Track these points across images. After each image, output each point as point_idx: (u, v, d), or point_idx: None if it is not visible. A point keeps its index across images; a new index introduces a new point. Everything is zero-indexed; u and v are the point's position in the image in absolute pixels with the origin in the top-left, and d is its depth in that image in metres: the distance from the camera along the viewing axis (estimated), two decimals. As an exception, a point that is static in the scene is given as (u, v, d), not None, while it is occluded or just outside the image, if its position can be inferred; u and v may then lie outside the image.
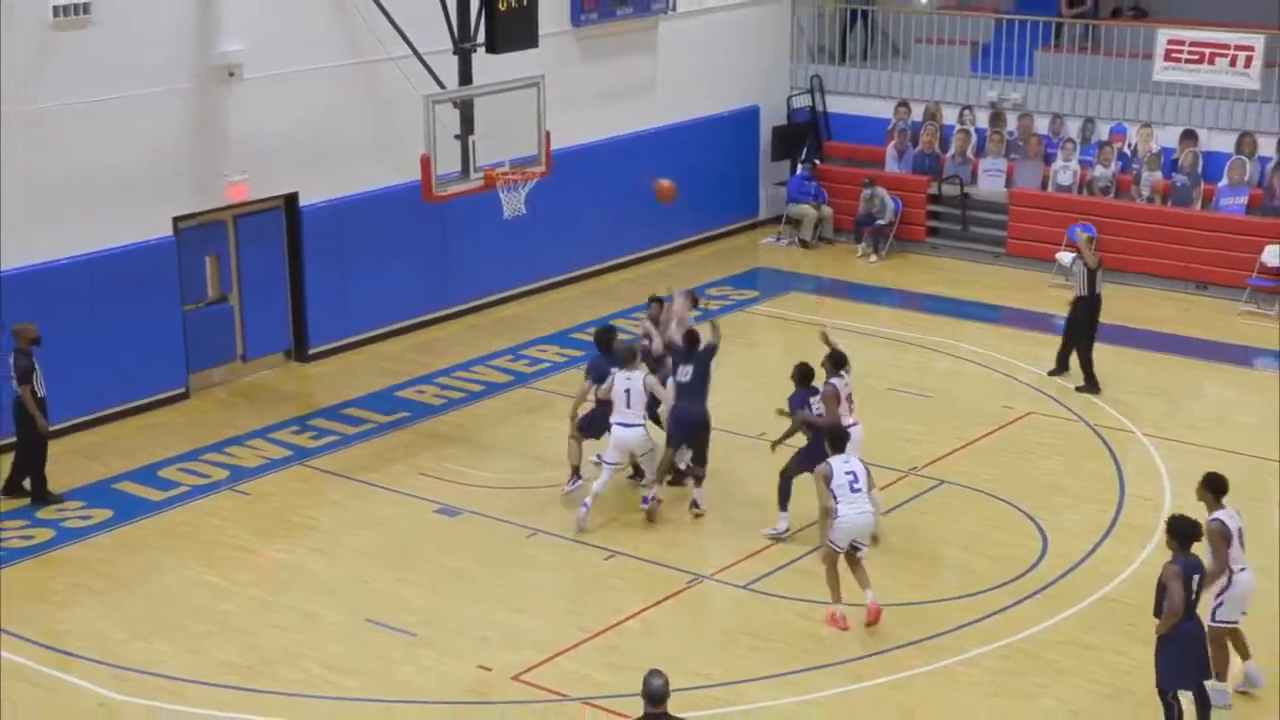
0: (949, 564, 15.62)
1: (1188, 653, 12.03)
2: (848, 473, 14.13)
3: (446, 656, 13.95)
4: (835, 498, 14.06)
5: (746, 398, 18.78)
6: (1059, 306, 23.17)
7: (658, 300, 17.88)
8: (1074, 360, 20.09)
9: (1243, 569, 12.80)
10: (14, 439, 17.06)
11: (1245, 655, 13.16)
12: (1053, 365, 20.33)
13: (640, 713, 10.06)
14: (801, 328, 21.90)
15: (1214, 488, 12.95)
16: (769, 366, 20.73)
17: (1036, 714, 13.06)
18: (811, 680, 13.48)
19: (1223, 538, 12.49)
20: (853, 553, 14.19)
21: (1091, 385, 19.77)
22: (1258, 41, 23.80)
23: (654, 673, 10.03)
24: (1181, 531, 12.11)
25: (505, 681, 13.51)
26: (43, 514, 16.75)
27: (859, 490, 14.12)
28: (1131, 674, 13.58)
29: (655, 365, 16.94)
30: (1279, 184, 23.35)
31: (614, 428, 16.22)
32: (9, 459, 17.16)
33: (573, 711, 13.05)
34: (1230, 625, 12.84)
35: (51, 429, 17.37)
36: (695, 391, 16.36)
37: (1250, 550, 12.94)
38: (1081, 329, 19.93)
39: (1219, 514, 12.73)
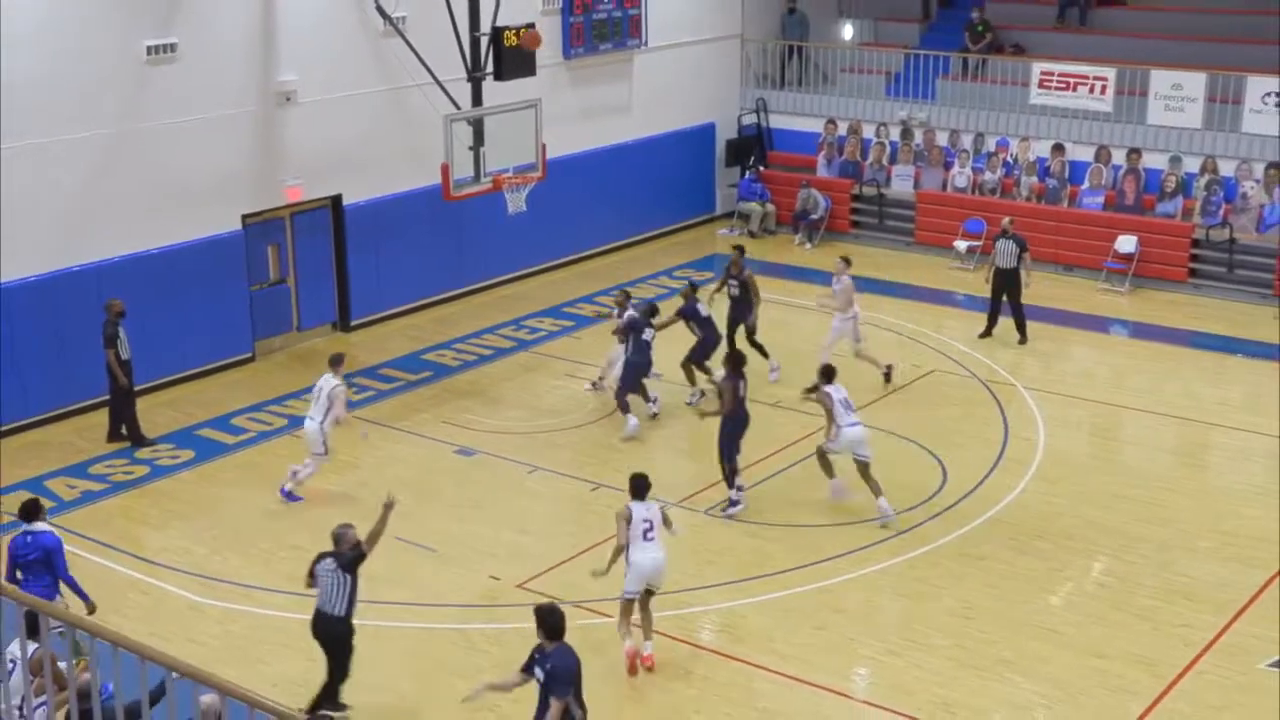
0: (868, 492, 15.63)
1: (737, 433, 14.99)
2: (645, 520, 12.20)
3: (463, 569, 13.98)
4: (630, 541, 12.14)
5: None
6: (958, 284, 23.27)
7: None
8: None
9: (851, 425, 14.64)
10: (108, 395, 17.04)
11: (875, 492, 14.81)
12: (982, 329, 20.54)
13: None
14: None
15: (824, 375, 14.90)
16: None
17: (939, 611, 13.14)
18: (756, 587, 13.55)
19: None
20: (646, 596, 12.29)
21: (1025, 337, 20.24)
22: (1110, 74, 23.82)
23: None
24: (733, 361, 15.09)
25: (511, 589, 13.56)
26: (140, 454, 16.75)
27: (652, 539, 12.17)
28: (1014, 577, 13.70)
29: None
30: (1129, 187, 23.39)
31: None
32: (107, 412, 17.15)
33: (566, 612, 13.05)
34: (833, 452, 14.86)
35: (145, 385, 17.40)
36: None
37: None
38: (1014, 293, 20.02)
39: (827, 389, 14.67)
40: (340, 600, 11.07)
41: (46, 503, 15.11)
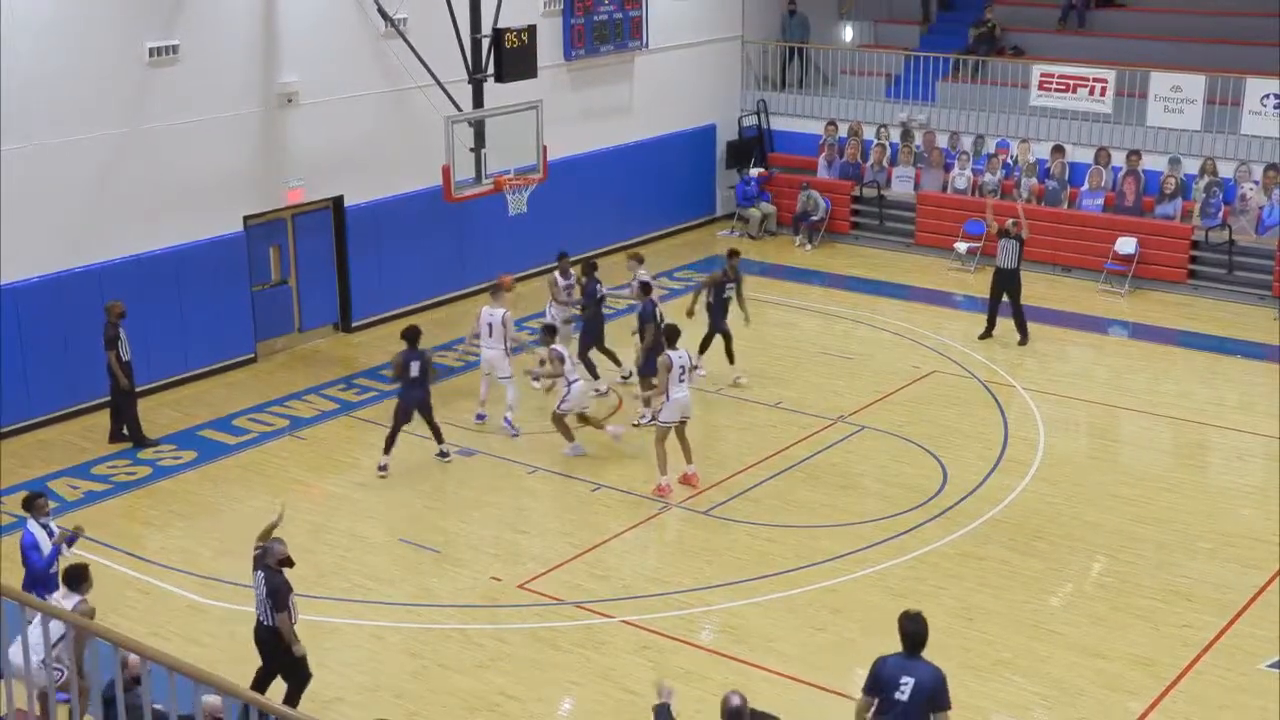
0: (869, 493, 15.66)
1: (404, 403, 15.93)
2: (680, 365, 15.22)
3: (465, 569, 13.96)
4: (670, 382, 15.09)
5: (707, 359, 18.76)
6: (958, 286, 23.26)
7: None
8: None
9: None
10: (109, 396, 17.02)
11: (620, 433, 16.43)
12: (983, 330, 20.47)
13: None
14: (750, 304, 21.86)
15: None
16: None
17: (938, 611, 13.04)
18: (757, 587, 13.52)
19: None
20: (681, 426, 15.34)
21: (1025, 337, 20.19)
22: (1110, 75, 23.81)
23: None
24: (407, 336, 15.84)
25: (512, 589, 13.53)
26: (142, 455, 16.71)
27: (684, 380, 15.22)
28: (1012, 578, 13.66)
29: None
30: (1128, 189, 23.38)
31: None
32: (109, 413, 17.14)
33: (567, 613, 13.07)
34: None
35: (148, 386, 17.39)
36: None
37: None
38: (1014, 293, 20.01)
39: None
40: (269, 613, 10.96)
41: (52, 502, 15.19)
